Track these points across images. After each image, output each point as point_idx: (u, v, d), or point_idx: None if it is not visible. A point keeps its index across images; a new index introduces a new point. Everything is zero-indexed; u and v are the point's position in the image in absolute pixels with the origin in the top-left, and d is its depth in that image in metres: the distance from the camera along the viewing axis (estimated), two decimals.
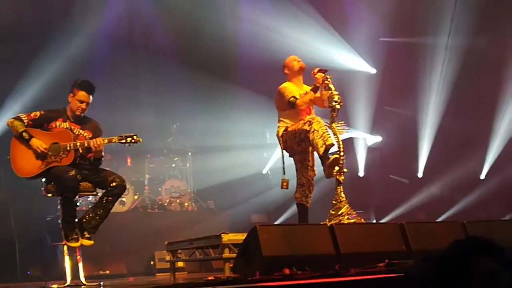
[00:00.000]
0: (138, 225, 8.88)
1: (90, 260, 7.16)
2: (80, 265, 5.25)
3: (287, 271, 3.83)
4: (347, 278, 3.71)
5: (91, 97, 5.40)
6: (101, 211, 5.21)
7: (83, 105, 5.36)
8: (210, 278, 4.38)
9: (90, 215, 5.21)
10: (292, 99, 5.77)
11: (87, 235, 5.17)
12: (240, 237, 4.71)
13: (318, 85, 5.75)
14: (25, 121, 5.28)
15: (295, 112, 5.87)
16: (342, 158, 5.50)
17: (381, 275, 3.85)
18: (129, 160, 9.70)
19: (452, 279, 2.22)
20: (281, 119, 5.98)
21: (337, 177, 5.52)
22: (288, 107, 5.84)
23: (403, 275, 3.80)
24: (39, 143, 5.17)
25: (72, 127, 5.38)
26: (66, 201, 5.15)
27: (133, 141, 5.23)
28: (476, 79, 11.34)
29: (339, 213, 5.42)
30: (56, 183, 5.14)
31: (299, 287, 3.57)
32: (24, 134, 5.20)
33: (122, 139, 5.22)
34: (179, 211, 9.67)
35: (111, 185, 5.21)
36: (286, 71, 6.08)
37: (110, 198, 5.23)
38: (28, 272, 8.40)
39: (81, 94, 5.35)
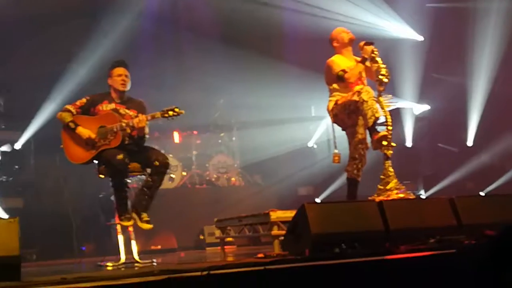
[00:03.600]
0: (187, 200, 9.05)
1: (142, 235, 7.33)
2: (133, 242, 5.37)
3: (337, 250, 3.84)
4: (397, 256, 3.70)
5: (126, 70, 5.50)
6: (149, 190, 5.31)
7: (123, 77, 5.45)
8: (260, 255, 4.44)
9: (140, 196, 5.32)
10: (340, 72, 5.70)
11: (145, 218, 5.27)
12: (289, 214, 4.74)
13: (366, 57, 5.67)
14: (73, 110, 5.41)
15: (345, 85, 5.79)
16: (390, 132, 5.44)
17: (432, 251, 3.82)
18: (176, 137, 9.83)
19: (504, 261, 2.21)
20: (332, 93, 5.91)
21: (385, 151, 5.47)
22: (337, 81, 5.78)
23: (454, 251, 3.77)
24: (84, 131, 5.29)
25: (118, 108, 5.47)
26: (117, 183, 5.27)
27: (175, 113, 5.27)
28: None
29: (388, 188, 5.39)
30: (107, 166, 5.26)
31: (349, 265, 3.59)
32: (70, 124, 5.33)
33: (165, 113, 5.27)
34: (226, 186, 9.78)
35: (154, 163, 5.29)
36: (334, 44, 5.98)
37: (156, 177, 5.32)
38: (83, 248, 8.67)
39: (115, 71, 5.48)
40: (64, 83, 9.21)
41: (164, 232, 8.50)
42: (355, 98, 5.49)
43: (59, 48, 9.20)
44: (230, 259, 5.71)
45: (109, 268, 5.00)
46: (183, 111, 5.31)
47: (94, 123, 5.34)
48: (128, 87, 5.51)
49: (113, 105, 5.48)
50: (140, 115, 5.27)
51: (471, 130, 11.70)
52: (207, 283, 3.17)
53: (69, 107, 5.44)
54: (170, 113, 5.28)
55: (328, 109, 5.89)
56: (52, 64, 9.07)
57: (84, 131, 5.29)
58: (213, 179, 9.74)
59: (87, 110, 5.47)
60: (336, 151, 5.84)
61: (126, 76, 5.48)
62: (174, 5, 10.92)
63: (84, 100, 5.48)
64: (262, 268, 3.33)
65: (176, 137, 9.92)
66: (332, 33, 6.03)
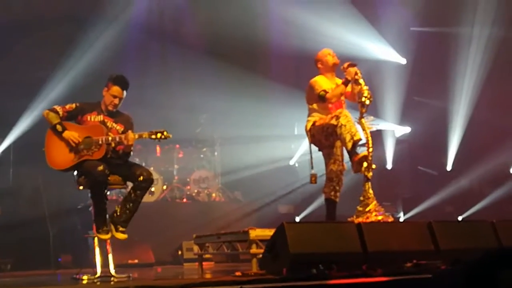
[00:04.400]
0: (167, 215, 8.99)
1: (120, 249, 7.25)
2: (110, 256, 5.32)
3: (314, 271, 3.85)
4: (374, 279, 3.71)
5: (124, 92, 5.44)
6: (131, 205, 5.28)
7: (116, 100, 5.42)
8: (237, 273, 4.42)
9: (121, 209, 5.28)
10: (322, 92, 5.74)
11: (121, 229, 5.24)
12: (268, 233, 4.74)
13: (349, 78, 5.71)
14: (60, 113, 5.35)
15: (324, 106, 5.84)
16: (370, 154, 5.47)
17: (408, 276, 3.84)
18: (158, 150, 9.81)
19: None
20: (310, 113, 5.95)
21: (365, 173, 5.49)
22: (318, 100, 5.81)
23: (430, 276, 3.80)
24: (72, 134, 5.25)
25: (106, 120, 5.44)
26: (96, 195, 5.23)
27: (163, 137, 5.27)
28: (509, 70, 11.13)
29: (367, 210, 5.40)
30: (86, 177, 5.22)
31: (326, 287, 3.59)
32: (58, 126, 5.28)
33: (152, 135, 5.27)
34: (206, 201, 9.75)
35: (139, 179, 5.27)
36: (319, 65, 6.02)
37: (138, 192, 5.29)
38: (59, 259, 8.57)
39: (115, 89, 5.41)
40: (47, 91, 9.15)
41: (142, 246, 8.44)
42: (333, 122, 5.53)
43: (42, 56, 9.16)
44: (207, 276, 5.68)
45: (84, 282, 4.95)
46: (170, 135, 5.31)
47: (81, 132, 5.30)
48: (117, 108, 5.48)
49: (101, 117, 5.44)
50: (130, 132, 5.25)
51: (451, 154, 11.82)
52: None
53: (57, 108, 5.39)
54: (158, 135, 5.27)
55: (306, 129, 5.93)
56: (34, 71, 9.02)
57: (72, 135, 5.23)
58: (194, 194, 9.71)
59: (75, 117, 5.43)
60: (313, 171, 5.86)
61: (120, 100, 5.44)
62: (160, 17, 10.94)
63: (73, 105, 5.43)
64: (238, 287, 3.32)
65: (158, 150, 9.90)
66: (318, 54, 6.06)
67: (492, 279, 2.18)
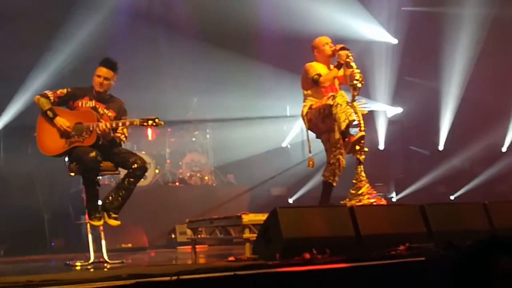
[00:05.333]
0: (159, 198, 8.98)
1: (113, 233, 7.23)
2: (103, 242, 5.32)
3: (307, 255, 3.85)
4: (367, 263, 3.72)
5: (111, 72, 5.38)
6: (123, 192, 5.26)
7: (100, 79, 5.36)
8: (230, 258, 4.43)
9: (113, 195, 5.26)
10: (316, 76, 5.74)
11: (113, 215, 5.23)
12: (261, 217, 4.73)
13: (341, 62, 5.69)
14: (51, 98, 5.30)
15: (319, 91, 5.83)
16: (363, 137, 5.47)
17: (402, 259, 3.85)
18: (150, 134, 9.76)
19: (472, 276, 2.23)
20: (305, 98, 5.94)
21: (358, 156, 5.50)
22: (312, 85, 5.80)
23: (424, 259, 3.81)
24: (62, 121, 5.21)
25: (97, 106, 5.40)
26: (88, 181, 5.21)
27: (154, 124, 5.25)
28: (501, 50, 11.13)
29: (359, 192, 5.41)
30: (78, 163, 5.19)
31: (319, 271, 3.59)
32: (49, 112, 5.23)
33: (144, 122, 5.24)
34: (199, 185, 9.75)
35: (133, 166, 5.25)
36: (315, 53, 5.99)
37: (132, 179, 5.27)
38: (52, 244, 8.57)
39: (99, 69, 5.38)
40: (36, 76, 9.07)
41: (135, 230, 8.44)
42: (329, 102, 5.51)
43: (31, 40, 9.05)
44: (201, 260, 5.70)
45: (77, 268, 4.93)
46: (162, 123, 5.28)
47: (72, 118, 5.26)
48: (105, 89, 5.42)
49: (93, 103, 5.41)
50: (121, 120, 5.26)
51: (442, 134, 11.86)
52: None
53: (48, 93, 5.34)
54: (150, 122, 5.25)
55: (302, 115, 5.91)
56: (23, 56, 8.92)
57: (62, 122, 5.20)
58: (186, 178, 9.70)
59: (66, 102, 5.39)
60: (310, 155, 5.86)
61: (105, 78, 5.37)
62: (150, 0, 10.83)
63: (64, 90, 5.39)
64: (232, 273, 3.32)
65: (150, 134, 9.85)
66: (316, 41, 6.01)
67: (484, 266, 2.18)
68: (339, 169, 5.85)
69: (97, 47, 8.76)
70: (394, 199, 10.97)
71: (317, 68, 5.83)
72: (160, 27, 10.62)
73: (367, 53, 11.11)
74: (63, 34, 9.26)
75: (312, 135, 5.95)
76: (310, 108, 5.80)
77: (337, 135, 5.77)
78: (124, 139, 5.43)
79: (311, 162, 5.81)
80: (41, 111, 5.30)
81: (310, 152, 5.88)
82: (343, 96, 5.49)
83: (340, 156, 5.83)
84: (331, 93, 5.63)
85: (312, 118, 5.78)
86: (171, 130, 9.94)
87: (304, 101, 5.93)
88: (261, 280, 3.40)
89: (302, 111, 5.90)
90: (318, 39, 6.01)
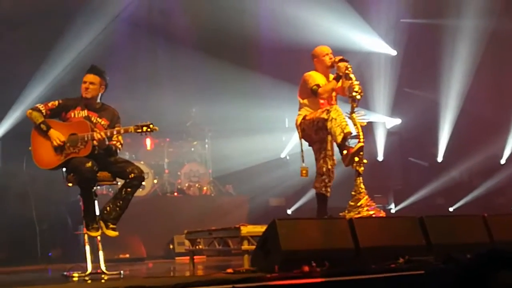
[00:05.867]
0: (158, 209, 8.94)
1: (111, 243, 7.19)
2: (101, 253, 5.27)
3: (306, 268, 3.83)
4: (367, 276, 3.70)
5: (96, 77, 5.37)
6: (121, 202, 5.23)
7: (86, 85, 5.35)
8: (229, 270, 4.40)
9: (111, 206, 5.23)
10: (315, 87, 5.74)
11: (111, 226, 5.20)
12: (259, 229, 4.71)
13: (340, 74, 5.70)
14: (43, 111, 5.29)
15: (316, 102, 5.84)
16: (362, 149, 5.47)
17: (401, 272, 3.84)
18: (148, 144, 9.74)
19: None
20: (301, 107, 5.94)
21: (357, 168, 5.49)
22: (310, 95, 5.81)
23: (423, 273, 3.80)
24: (56, 134, 5.18)
25: (90, 115, 5.38)
26: (85, 191, 5.18)
27: (149, 130, 5.23)
28: (499, 62, 11.16)
29: (358, 204, 5.40)
30: (75, 174, 5.17)
31: (318, 284, 3.58)
32: (42, 125, 5.21)
33: (138, 129, 5.23)
34: (198, 195, 9.71)
35: (130, 176, 5.22)
36: (315, 62, 5.99)
37: (129, 189, 5.25)
38: (50, 254, 8.52)
39: (85, 76, 5.40)
40: (35, 85, 9.06)
41: (133, 241, 8.40)
42: (324, 116, 5.52)
43: (31, 49, 9.05)
44: (199, 272, 5.67)
45: (75, 279, 4.89)
46: (157, 128, 5.27)
47: (65, 129, 5.24)
48: (92, 94, 5.40)
49: (85, 112, 5.39)
50: (115, 128, 5.24)
51: (441, 145, 11.86)
52: None
53: (40, 106, 5.33)
54: (144, 128, 5.24)
55: (296, 124, 5.92)
56: (23, 65, 8.91)
57: (56, 136, 5.18)
58: (185, 188, 9.66)
59: (58, 114, 5.37)
60: (303, 165, 5.87)
61: (90, 83, 5.36)
62: (150, 10, 10.85)
63: (56, 103, 5.37)
64: (230, 286, 3.30)
65: (148, 143, 9.83)
66: (316, 50, 6.00)
67: (484, 280, 2.17)
68: (329, 179, 5.84)
69: (96, 56, 8.74)
70: (393, 211, 10.95)
71: (316, 78, 5.82)
72: (159, 37, 10.63)
73: (366, 64, 11.13)
74: (63, 43, 9.26)
75: (306, 144, 5.95)
76: (304, 118, 5.81)
77: (329, 147, 5.79)
78: (120, 146, 5.41)
79: (304, 172, 5.82)
80: (34, 125, 5.29)
81: (303, 161, 5.88)
82: (337, 110, 5.51)
83: (330, 167, 5.83)
84: (326, 107, 5.64)
85: (306, 128, 5.79)
86: (169, 140, 9.91)
87: (299, 110, 5.95)
88: None
89: (297, 120, 5.91)
90: (318, 48, 6.00)
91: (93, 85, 5.37)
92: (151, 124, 5.25)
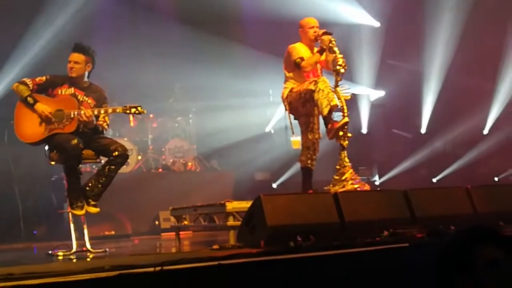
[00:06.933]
0: (142, 185, 8.90)
1: (96, 221, 7.16)
2: (86, 231, 5.25)
3: (292, 243, 3.85)
4: (352, 250, 3.73)
5: (81, 56, 5.29)
6: (104, 179, 5.19)
7: (71, 64, 5.28)
8: (215, 247, 4.41)
9: (93, 183, 5.19)
10: (298, 60, 5.71)
11: (92, 203, 5.17)
12: (245, 205, 4.72)
13: (324, 47, 5.67)
14: (30, 85, 5.21)
15: (301, 74, 5.81)
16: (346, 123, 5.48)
17: (385, 245, 3.87)
18: (132, 120, 9.65)
19: (456, 265, 2.23)
20: (287, 80, 5.91)
21: (341, 142, 5.51)
22: (294, 68, 5.78)
23: (407, 245, 3.83)
24: (44, 107, 5.12)
25: (77, 93, 5.32)
26: (70, 170, 5.13)
27: (137, 112, 5.21)
28: (482, 33, 11.17)
29: (343, 178, 5.43)
30: (59, 152, 5.12)
31: (304, 259, 3.59)
32: (29, 98, 5.14)
33: (126, 110, 5.19)
34: (182, 171, 9.68)
35: (113, 154, 5.18)
36: (300, 33, 5.94)
37: (112, 167, 5.21)
38: (35, 232, 8.48)
39: (70, 55, 5.32)
40: (15, 61, 8.89)
41: (119, 217, 8.38)
42: (311, 87, 5.50)
43: (9, 25, 8.85)
44: (185, 248, 5.68)
45: (60, 257, 4.88)
46: (145, 111, 5.25)
47: (52, 104, 5.17)
48: (78, 73, 5.32)
49: (72, 90, 5.32)
50: (102, 107, 5.20)
51: (425, 116, 11.91)
52: (159, 279, 3.12)
53: (27, 80, 5.25)
54: (133, 110, 5.21)
55: (282, 97, 5.89)
56: (1, 41, 8.73)
57: (43, 108, 5.11)
58: (169, 164, 9.63)
59: (45, 90, 5.29)
60: (294, 137, 5.88)
61: (75, 62, 5.28)
62: None
63: (44, 78, 5.30)
64: (216, 263, 3.30)
65: (132, 120, 9.74)
66: (303, 21, 5.95)
67: (468, 255, 2.18)
68: (314, 153, 5.85)
69: (77, 33, 8.60)
70: (377, 183, 11.03)
71: (300, 51, 5.79)
72: (141, 11, 10.44)
73: (349, 36, 11.07)
74: (42, 19, 9.07)
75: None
76: (291, 91, 5.79)
77: (315, 120, 5.78)
78: (106, 127, 5.38)
79: (296, 143, 5.84)
80: (20, 98, 5.21)
81: (293, 134, 5.90)
82: (325, 82, 5.49)
83: (315, 141, 5.83)
84: (313, 78, 5.62)
85: (292, 102, 5.77)
86: (153, 116, 9.83)
87: (284, 83, 5.91)
88: (246, 269, 3.38)
89: (283, 93, 5.89)
90: (305, 20, 5.96)
91: (77, 64, 5.30)
92: (140, 106, 5.23)
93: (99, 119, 5.27)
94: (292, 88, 5.80)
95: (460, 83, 11.30)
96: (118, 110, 5.20)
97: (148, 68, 10.01)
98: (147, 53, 10.24)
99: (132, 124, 9.60)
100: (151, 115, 9.78)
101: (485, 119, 11.74)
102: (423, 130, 11.98)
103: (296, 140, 5.87)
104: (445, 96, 11.52)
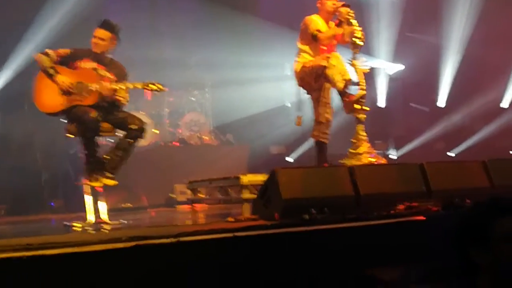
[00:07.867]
0: (159, 158, 8.96)
1: (112, 193, 7.21)
2: (103, 203, 5.30)
3: (306, 215, 3.85)
4: (367, 223, 3.73)
5: (107, 33, 5.32)
6: (121, 152, 5.24)
7: (96, 40, 5.31)
8: (230, 219, 4.43)
9: (111, 156, 5.24)
10: (315, 32, 5.64)
11: (109, 175, 5.22)
12: (260, 178, 4.73)
13: (342, 19, 5.60)
14: (52, 56, 5.23)
15: (316, 47, 5.75)
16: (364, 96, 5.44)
17: (401, 218, 3.86)
18: (148, 94, 9.66)
19: (473, 238, 2.22)
20: (300, 53, 5.86)
21: (358, 115, 5.47)
22: (311, 41, 5.72)
23: (424, 219, 3.82)
24: (64, 79, 5.15)
25: (98, 68, 5.33)
26: (87, 142, 5.18)
27: (157, 89, 5.22)
28: (502, 4, 10.95)
29: (359, 151, 5.41)
30: (77, 124, 5.15)
31: (319, 231, 3.60)
32: (50, 69, 5.16)
33: (146, 86, 5.20)
34: (199, 144, 9.71)
35: (130, 127, 5.21)
36: (318, 4, 5.86)
37: (130, 140, 5.25)
38: (52, 204, 8.59)
39: (96, 30, 5.34)
40: (33, 34, 8.91)
41: (135, 190, 8.44)
42: (323, 63, 5.47)
43: None
44: (200, 220, 5.72)
45: (76, 229, 4.93)
46: (166, 89, 5.26)
47: (73, 77, 5.20)
48: (102, 50, 5.34)
49: (94, 64, 5.34)
50: (123, 82, 5.20)
51: (443, 90, 11.77)
52: (176, 250, 3.16)
53: (50, 52, 5.27)
54: (153, 87, 5.22)
55: (295, 71, 5.84)
56: (19, 14, 8.75)
57: (64, 79, 5.13)
58: (185, 137, 9.66)
59: (67, 63, 5.32)
60: (299, 113, 5.86)
61: (100, 39, 5.32)
62: None
63: (68, 51, 5.33)
64: (231, 235, 3.33)
65: (148, 93, 9.74)
66: None
67: (485, 228, 2.17)
68: (327, 126, 5.80)
69: (95, 5, 8.58)
70: (393, 157, 10.97)
71: (318, 23, 5.72)
72: None
73: (368, 9, 10.92)
74: None
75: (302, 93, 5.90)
76: (303, 66, 5.73)
77: (327, 95, 5.71)
78: (125, 103, 5.38)
79: (298, 120, 5.82)
80: (41, 68, 5.23)
81: (299, 110, 5.89)
82: (337, 57, 5.45)
83: (328, 115, 5.77)
84: (325, 54, 5.56)
85: (305, 76, 5.73)
86: (169, 90, 9.81)
87: (297, 56, 5.85)
88: (260, 241, 3.41)
89: (296, 67, 5.83)
90: None
91: (102, 41, 5.33)
92: (160, 84, 5.23)
93: (119, 95, 5.27)
94: (304, 63, 5.75)
95: (479, 56, 11.12)
96: (138, 86, 5.21)
97: (165, 41, 9.99)
98: (164, 26, 10.21)
99: (149, 97, 9.61)
100: (167, 89, 9.75)
101: (503, 93, 11.57)
102: (441, 104, 11.85)
103: (299, 116, 5.81)
104: (463, 69, 11.36)
